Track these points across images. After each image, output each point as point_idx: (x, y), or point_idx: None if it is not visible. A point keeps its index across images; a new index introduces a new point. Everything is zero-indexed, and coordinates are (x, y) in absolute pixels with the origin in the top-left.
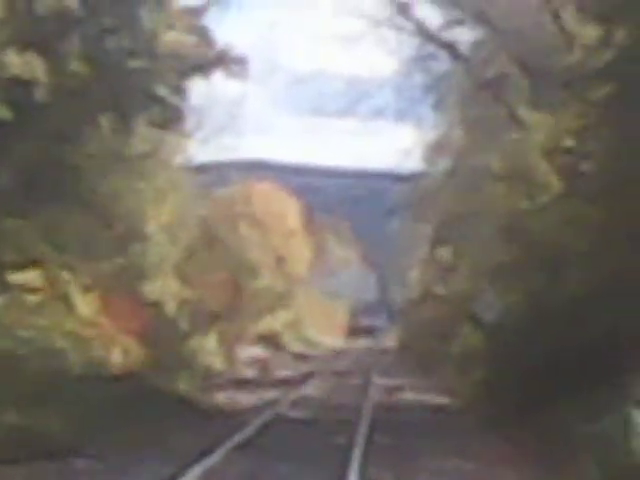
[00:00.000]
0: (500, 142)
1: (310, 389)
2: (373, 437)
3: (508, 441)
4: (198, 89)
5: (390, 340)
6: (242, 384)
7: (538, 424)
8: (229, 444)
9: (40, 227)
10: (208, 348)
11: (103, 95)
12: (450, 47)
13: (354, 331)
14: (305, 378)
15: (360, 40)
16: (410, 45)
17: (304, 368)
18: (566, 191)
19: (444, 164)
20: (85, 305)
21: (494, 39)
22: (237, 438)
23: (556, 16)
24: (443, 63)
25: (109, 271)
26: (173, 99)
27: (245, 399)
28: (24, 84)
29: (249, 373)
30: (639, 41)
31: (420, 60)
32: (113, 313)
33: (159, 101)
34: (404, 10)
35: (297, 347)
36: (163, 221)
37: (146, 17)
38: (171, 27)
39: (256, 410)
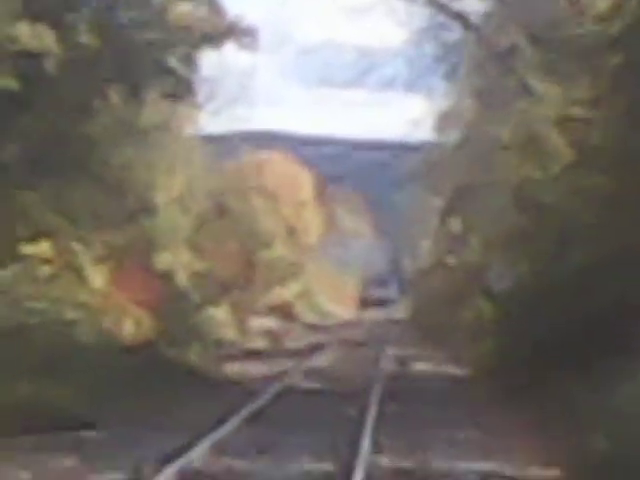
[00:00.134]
0: (511, 112)
1: (321, 360)
2: (384, 407)
3: (518, 411)
4: (209, 60)
5: (401, 311)
6: (253, 355)
7: (547, 394)
8: (240, 415)
9: (51, 199)
10: (219, 319)
11: (114, 67)
12: (461, 17)
13: (365, 302)
14: (316, 349)
15: (370, 11)
16: (420, 16)
17: (315, 339)
18: (576, 161)
19: (454, 135)
20: (96, 276)
21: (503, 10)
22: (248, 409)
23: None
24: (454, 33)
25: (120, 242)
26: (184, 70)
27: (256, 370)
28: (34, 56)
29: (260, 344)
30: None
31: (430, 30)
32: (124, 284)
33: (170, 72)
34: None
35: (308, 318)
36: (174, 192)
37: None
38: None
39: (268, 381)
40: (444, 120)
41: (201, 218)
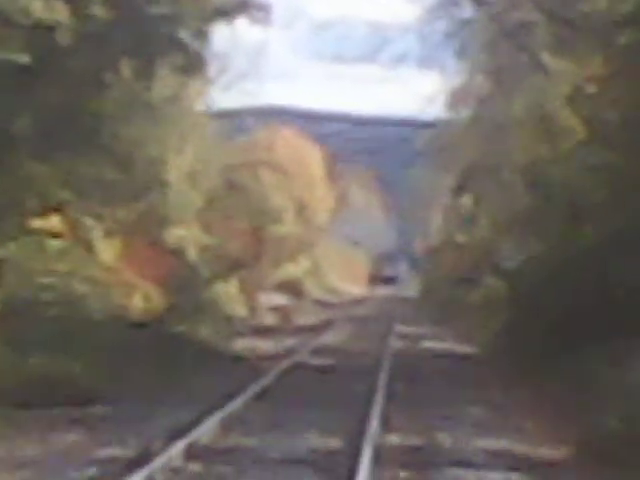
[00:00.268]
0: (523, 89)
1: (331, 336)
2: (393, 384)
3: (528, 390)
4: (221, 35)
5: (411, 288)
6: (263, 331)
7: (558, 373)
8: (250, 391)
9: (61, 173)
10: (229, 295)
11: (125, 40)
12: None
13: (375, 279)
14: (326, 325)
15: None
16: None
17: (325, 316)
18: (589, 139)
19: (466, 112)
20: (106, 251)
21: None
22: (258, 385)
23: None
24: (467, 10)
25: (130, 217)
26: (196, 45)
27: (266, 346)
28: (47, 29)
29: (270, 320)
30: None
31: (443, 6)
32: (134, 259)
33: (182, 47)
34: None
35: (318, 295)
36: (185, 167)
37: None
38: None
39: (277, 357)
40: (456, 97)
41: (211, 193)
